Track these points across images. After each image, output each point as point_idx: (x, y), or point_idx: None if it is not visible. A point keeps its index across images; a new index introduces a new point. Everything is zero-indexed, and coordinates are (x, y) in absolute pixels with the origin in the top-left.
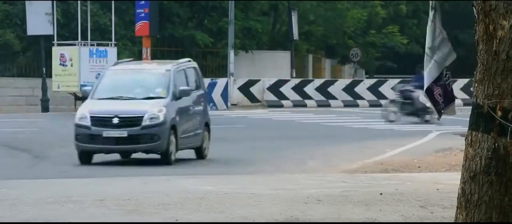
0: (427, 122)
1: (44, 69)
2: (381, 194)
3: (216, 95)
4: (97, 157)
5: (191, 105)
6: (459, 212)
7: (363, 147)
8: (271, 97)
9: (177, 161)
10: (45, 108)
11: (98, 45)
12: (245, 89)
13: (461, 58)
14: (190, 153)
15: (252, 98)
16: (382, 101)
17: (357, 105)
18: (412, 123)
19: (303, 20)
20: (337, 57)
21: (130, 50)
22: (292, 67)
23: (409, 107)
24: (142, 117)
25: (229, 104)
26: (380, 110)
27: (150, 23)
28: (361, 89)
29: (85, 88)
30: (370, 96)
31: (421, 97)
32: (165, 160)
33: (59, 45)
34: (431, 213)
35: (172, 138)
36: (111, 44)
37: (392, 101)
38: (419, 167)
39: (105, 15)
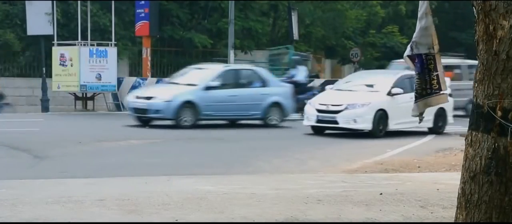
0: None
1: (44, 69)
2: (381, 194)
3: None
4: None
5: None
6: (459, 212)
7: (363, 147)
8: None
9: None
10: (45, 108)
11: (98, 45)
12: None
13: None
14: None
15: None
16: None
17: None
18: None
19: (302, 23)
20: (337, 58)
21: (130, 50)
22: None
23: None
24: None
25: None
26: None
27: (150, 23)
28: None
29: None
30: None
31: None
32: None
33: (59, 45)
34: (431, 213)
35: None
36: (111, 44)
37: None
38: (419, 167)
39: (105, 15)
